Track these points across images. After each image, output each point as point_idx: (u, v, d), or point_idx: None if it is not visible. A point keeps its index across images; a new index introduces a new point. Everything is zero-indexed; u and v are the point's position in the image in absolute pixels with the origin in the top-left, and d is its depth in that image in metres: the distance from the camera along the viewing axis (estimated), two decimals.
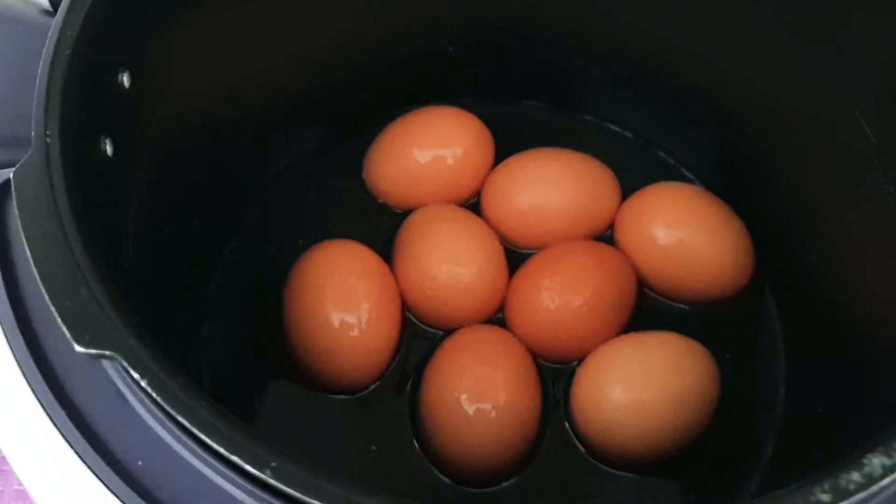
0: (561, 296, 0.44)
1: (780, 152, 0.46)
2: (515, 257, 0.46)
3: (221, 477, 0.24)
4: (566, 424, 0.43)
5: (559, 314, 0.44)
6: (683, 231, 0.46)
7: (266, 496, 0.24)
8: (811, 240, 0.45)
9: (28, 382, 0.26)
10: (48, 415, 0.26)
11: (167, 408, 0.23)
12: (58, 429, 0.25)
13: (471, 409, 0.40)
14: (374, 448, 0.42)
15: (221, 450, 0.22)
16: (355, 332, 0.42)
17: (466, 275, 0.44)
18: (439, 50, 0.49)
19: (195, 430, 0.22)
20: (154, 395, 0.23)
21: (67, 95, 0.29)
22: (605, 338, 0.43)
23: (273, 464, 0.22)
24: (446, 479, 0.41)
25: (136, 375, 0.23)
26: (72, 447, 0.25)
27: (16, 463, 0.25)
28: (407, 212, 0.48)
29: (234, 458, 0.22)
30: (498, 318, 0.45)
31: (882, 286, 0.39)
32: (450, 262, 0.45)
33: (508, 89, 0.52)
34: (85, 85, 0.30)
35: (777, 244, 0.47)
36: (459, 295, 0.44)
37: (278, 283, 0.44)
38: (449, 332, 0.44)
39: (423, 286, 0.45)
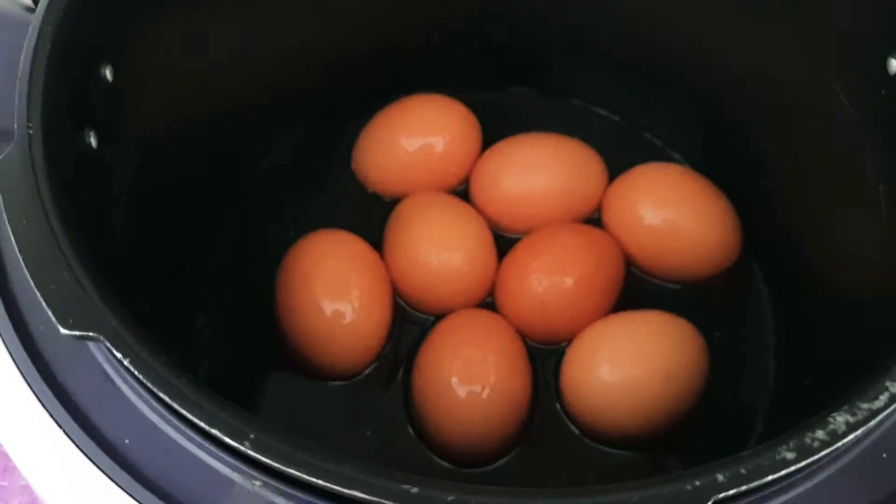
0: (549, 278, 0.44)
1: (764, 130, 0.46)
2: (505, 242, 0.47)
3: (204, 451, 0.25)
4: (557, 405, 0.43)
5: (548, 296, 0.44)
6: (670, 211, 0.47)
7: (246, 468, 0.24)
8: (798, 216, 0.45)
9: (17, 367, 0.27)
10: (38, 397, 0.26)
11: (149, 385, 0.23)
12: (47, 411, 0.26)
13: (462, 391, 0.41)
14: (369, 433, 0.43)
15: (202, 423, 0.23)
16: (347, 320, 0.43)
17: (456, 260, 0.45)
18: (424, 38, 0.49)
19: (176, 406, 0.23)
20: (136, 372, 0.23)
21: (48, 88, 0.30)
22: (594, 318, 0.44)
23: (252, 436, 0.23)
24: (439, 460, 0.42)
25: (118, 355, 0.24)
26: (61, 427, 0.26)
27: (7, 444, 0.25)
28: (397, 200, 0.48)
29: (214, 432, 0.23)
30: (488, 302, 0.46)
31: (868, 259, 0.40)
32: (439, 248, 0.45)
33: (494, 75, 0.52)
34: (66, 78, 0.31)
35: (764, 222, 0.47)
36: (449, 280, 0.45)
37: (270, 274, 0.45)
38: (440, 317, 0.45)
39: (414, 272, 0.45)
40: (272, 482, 0.24)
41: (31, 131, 0.28)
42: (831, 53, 0.40)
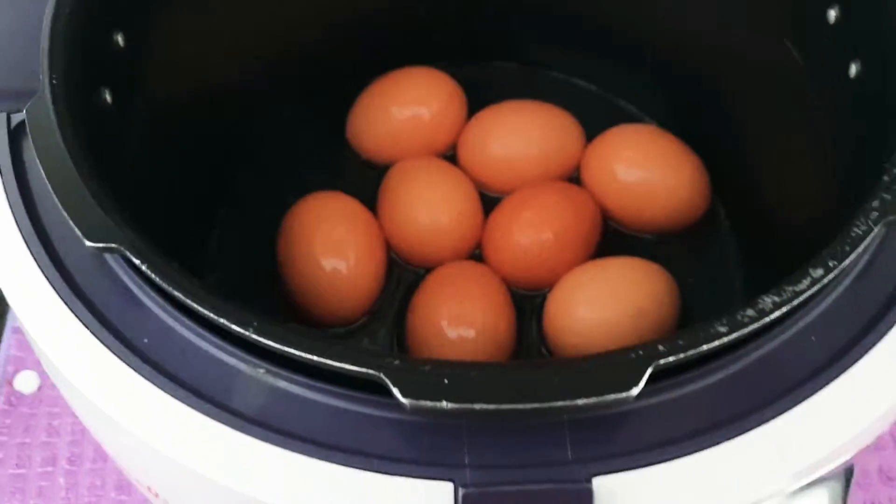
0: (531, 231, 0.47)
1: (727, 92, 0.49)
2: (490, 202, 0.50)
3: (213, 346, 0.29)
4: (542, 348, 0.46)
5: (530, 247, 0.47)
6: (643, 168, 0.49)
7: (251, 357, 0.28)
8: (760, 169, 0.48)
9: (49, 282, 0.30)
10: (69, 307, 0.30)
11: (163, 286, 0.27)
12: (77, 317, 0.30)
13: (452, 334, 0.44)
14: None
15: (212, 315, 0.26)
16: (344, 273, 0.46)
17: (445, 217, 0.48)
18: (410, 15, 0.53)
19: (189, 302, 0.26)
20: (152, 275, 0.27)
21: (68, 47, 0.33)
22: (573, 266, 0.47)
23: (255, 323, 0.26)
24: None
25: (136, 262, 0.27)
26: (89, 329, 0.29)
27: (43, 346, 0.29)
28: (389, 166, 0.51)
29: (222, 321, 0.26)
30: (476, 254, 0.49)
31: (821, 202, 0.43)
32: (430, 206, 0.48)
33: (479, 50, 0.55)
34: (83, 41, 0.34)
35: (731, 175, 0.50)
36: (440, 235, 0.48)
37: (272, 234, 0.48)
38: (431, 269, 0.48)
39: (407, 229, 0.48)
40: (274, 368, 0.28)
41: (54, 82, 0.32)
42: (782, 9, 0.43)
